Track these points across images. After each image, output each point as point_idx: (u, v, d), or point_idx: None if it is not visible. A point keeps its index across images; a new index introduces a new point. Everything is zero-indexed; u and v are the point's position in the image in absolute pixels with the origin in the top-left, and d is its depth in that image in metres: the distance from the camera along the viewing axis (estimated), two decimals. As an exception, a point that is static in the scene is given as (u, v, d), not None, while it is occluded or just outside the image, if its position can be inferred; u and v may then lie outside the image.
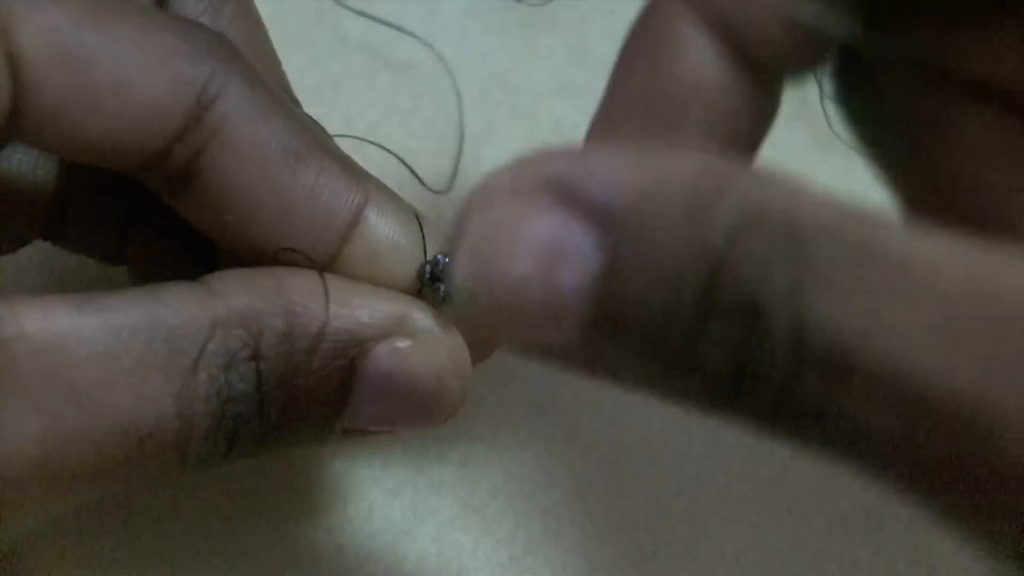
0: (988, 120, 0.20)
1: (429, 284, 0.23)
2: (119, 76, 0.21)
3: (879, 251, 0.15)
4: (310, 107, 0.35)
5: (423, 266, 0.23)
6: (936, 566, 0.27)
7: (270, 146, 0.22)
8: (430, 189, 0.32)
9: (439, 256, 0.23)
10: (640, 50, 0.21)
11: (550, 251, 0.16)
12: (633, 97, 0.21)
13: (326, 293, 0.21)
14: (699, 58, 0.20)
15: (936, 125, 0.21)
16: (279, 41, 0.36)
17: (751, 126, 0.21)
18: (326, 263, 0.22)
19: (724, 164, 0.17)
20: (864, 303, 0.15)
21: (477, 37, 0.36)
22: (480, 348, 0.24)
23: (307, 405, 0.21)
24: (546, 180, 0.17)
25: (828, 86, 0.23)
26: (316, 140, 0.23)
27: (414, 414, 0.22)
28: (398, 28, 0.36)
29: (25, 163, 0.25)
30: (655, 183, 0.16)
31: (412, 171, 0.32)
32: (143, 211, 0.26)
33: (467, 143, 0.34)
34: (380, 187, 0.24)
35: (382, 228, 0.23)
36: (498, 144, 0.34)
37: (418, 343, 0.22)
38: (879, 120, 0.22)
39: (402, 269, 0.23)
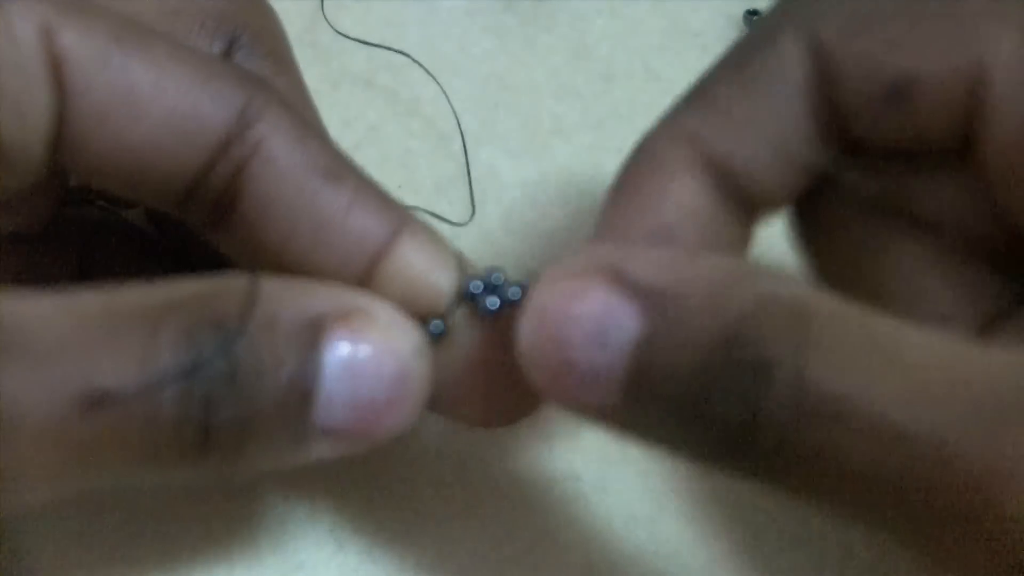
0: (924, 245, 0.24)
1: (474, 297, 0.23)
2: (161, 85, 0.21)
3: (873, 331, 0.19)
4: (310, 107, 0.35)
5: (466, 281, 0.23)
6: (936, 567, 0.27)
7: (308, 164, 0.22)
8: (452, 223, 0.32)
9: (491, 272, 0.23)
10: (637, 180, 0.24)
11: (601, 319, 0.20)
12: (629, 220, 0.23)
13: (256, 276, 0.21)
14: (689, 192, 0.23)
15: (878, 246, 0.25)
16: (279, 41, 0.36)
17: (729, 251, 0.24)
18: (361, 281, 0.23)
19: (746, 264, 0.21)
20: (858, 365, 0.18)
21: (477, 37, 0.36)
22: (525, 400, 0.24)
23: (280, 383, 0.21)
24: (603, 265, 0.21)
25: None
26: (352, 165, 0.23)
27: (384, 399, 0.22)
28: (380, 46, 0.36)
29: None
30: (689, 272, 0.20)
31: (435, 215, 0.32)
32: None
33: (466, 143, 0.34)
34: (415, 217, 0.24)
35: (415, 255, 0.23)
36: (497, 143, 0.34)
37: (379, 322, 0.22)
38: (825, 243, 0.26)
39: (432, 296, 0.23)
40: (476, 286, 0.23)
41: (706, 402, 0.19)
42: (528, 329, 0.21)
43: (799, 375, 0.18)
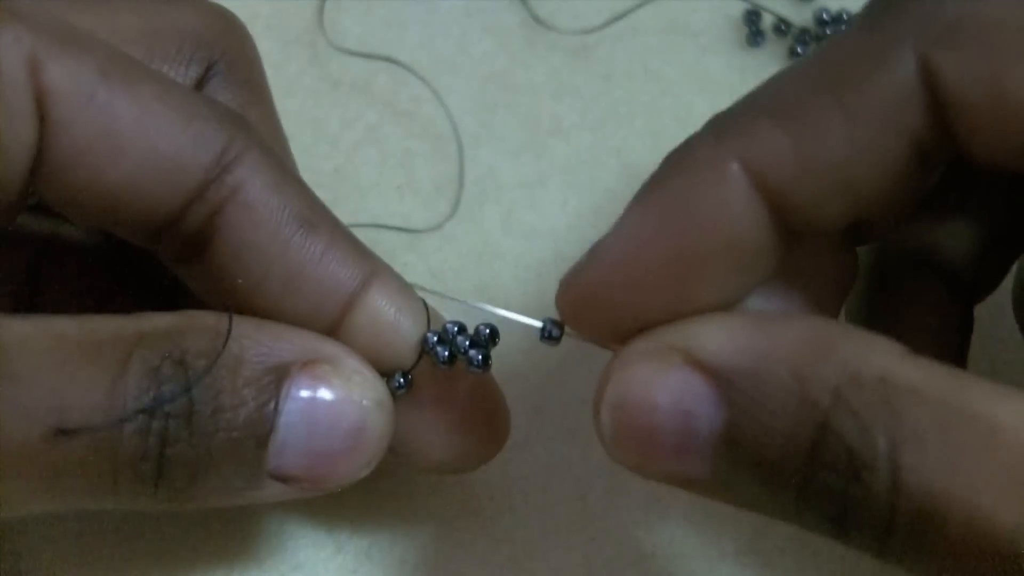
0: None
1: (432, 349, 0.23)
2: (143, 124, 0.21)
3: (965, 411, 0.18)
4: (309, 109, 0.35)
5: (426, 334, 0.23)
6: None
7: (284, 212, 0.22)
8: (416, 231, 0.32)
9: (447, 324, 0.23)
10: (674, 183, 0.21)
11: (682, 409, 0.20)
12: (659, 226, 0.21)
13: (231, 317, 0.22)
14: (734, 207, 0.20)
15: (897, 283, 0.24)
16: (280, 44, 0.36)
17: (801, 282, 0.22)
18: (330, 330, 0.23)
19: (827, 327, 0.19)
20: (952, 462, 0.17)
21: (477, 37, 0.36)
22: (482, 448, 0.25)
23: (235, 424, 0.21)
24: (675, 347, 0.20)
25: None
26: (327, 213, 0.24)
27: (338, 449, 0.22)
28: (372, 56, 0.36)
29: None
30: (767, 346, 0.19)
31: (403, 228, 0.32)
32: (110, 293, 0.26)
33: (465, 143, 0.34)
34: (386, 267, 0.24)
35: (384, 305, 0.23)
36: (496, 144, 0.34)
37: (341, 374, 0.22)
38: None
39: (399, 345, 0.23)
40: (431, 338, 0.23)
41: (796, 491, 0.19)
42: (608, 417, 0.21)
43: (895, 478, 0.18)
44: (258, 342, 0.22)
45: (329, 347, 0.23)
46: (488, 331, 0.23)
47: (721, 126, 0.21)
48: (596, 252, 0.22)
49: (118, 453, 0.20)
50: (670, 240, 0.20)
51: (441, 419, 0.24)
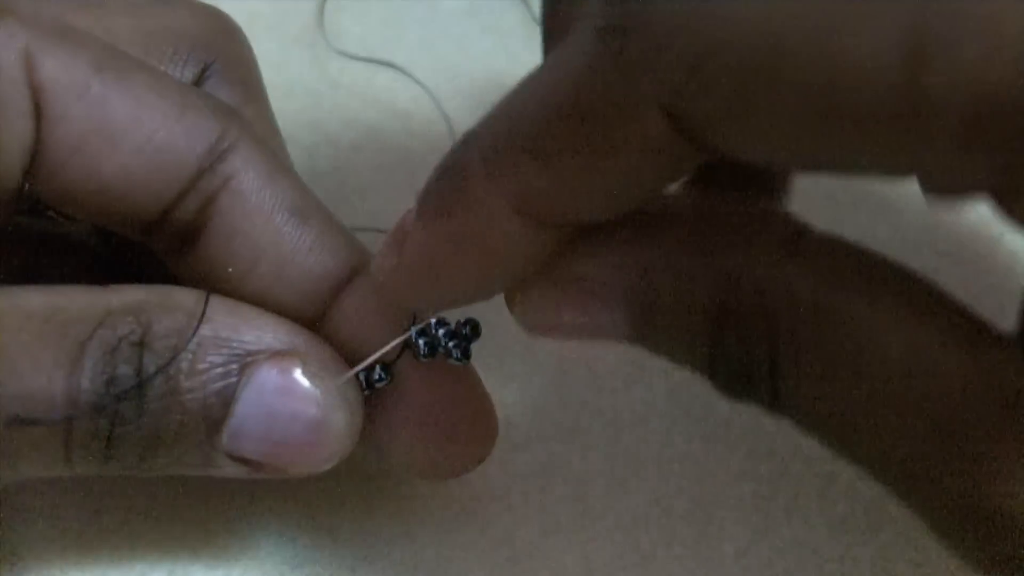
0: None
1: (414, 340, 0.23)
2: (137, 116, 0.22)
3: (840, 319, 0.18)
4: (309, 109, 0.35)
5: (409, 327, 0.24)
6: (936, 567, 0.27)
7: (276, 201, 0.23)
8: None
9: (431, 319, 0.24)
10: (455, 218, 0.21)
11: (589, 324, 0.21)
12: (445, 255, 0.21)
13: (207, 300, 0.22)
14: (509, 244, 0.21)
15: None
16: (280, 44, 0.36)
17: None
18: (315, 319, 0.23)
19: (707, 231, 0.20)
20: (824, 380, 0.18)
21: (477, 37, 0.36)
22: (469, 449, 0.25)
23: (188, 408, 0.21)
24: (568, 281, 0.21)
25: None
26: (319, 204, 0.24)
27: (297, 442, 0.22)
28: (370, 60, 0.36)
29: None
30: (649, 260, 0.20)
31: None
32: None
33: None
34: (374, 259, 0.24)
35: (369, 297, 0.23)
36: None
37: (308, 369, 0.22)
38: None
39: (384, 334, 0.23)
40: (413, 331, 0.23)
41: (706, 379, 0.21)
42: (524, 327, 0.22)
43: (773, 398, 0.19)
44: (229, 327, 0.22)
45: (302, 340, 0.23)
46: (468, 324, 0.24)
47: (491, 160, 0.20)
48: (384, 271, 0.22)
49: (71, 433, 0.21)
50: (453, 264, 0.21)
51: (423, 417, 0.24)
